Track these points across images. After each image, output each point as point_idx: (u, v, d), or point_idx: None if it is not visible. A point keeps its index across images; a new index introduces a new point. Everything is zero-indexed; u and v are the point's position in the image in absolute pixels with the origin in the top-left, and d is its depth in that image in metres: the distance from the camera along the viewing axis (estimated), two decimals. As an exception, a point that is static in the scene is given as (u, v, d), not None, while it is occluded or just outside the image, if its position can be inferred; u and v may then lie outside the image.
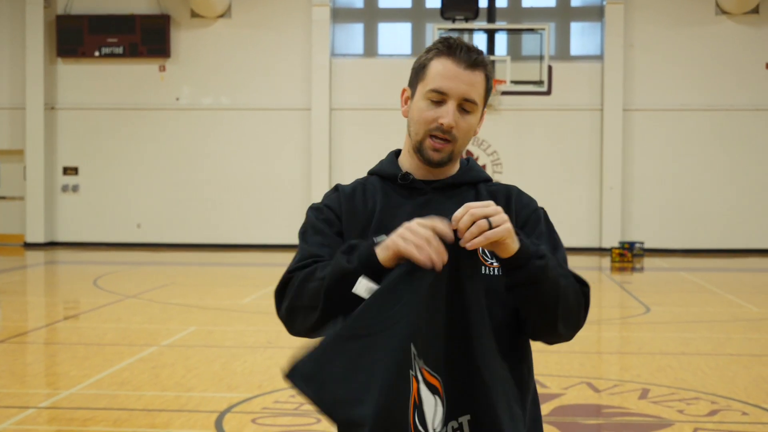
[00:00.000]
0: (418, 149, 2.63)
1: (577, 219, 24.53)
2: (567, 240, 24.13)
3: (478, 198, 2.67)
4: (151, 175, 25.26)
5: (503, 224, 2.34)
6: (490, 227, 2.32)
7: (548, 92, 21.13)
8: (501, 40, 23.49)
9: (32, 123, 25.12)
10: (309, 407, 7.48)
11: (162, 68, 25.18)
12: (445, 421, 2.43)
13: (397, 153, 2.78)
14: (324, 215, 2.69)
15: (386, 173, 2.72)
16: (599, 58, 24.69)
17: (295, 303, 2.52)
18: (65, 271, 20.24)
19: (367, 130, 24.15)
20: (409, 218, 2.42)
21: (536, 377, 8.57)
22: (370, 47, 25.19)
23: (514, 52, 23.59)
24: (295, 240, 3.12)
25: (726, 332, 11.78)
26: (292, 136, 24.82)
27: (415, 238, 2.31)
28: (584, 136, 24.61)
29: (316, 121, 24.70)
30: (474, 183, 2.74)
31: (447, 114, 2.57)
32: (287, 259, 3.07)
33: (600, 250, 24.16)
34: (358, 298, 2.35)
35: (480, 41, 20.98)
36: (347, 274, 2.39)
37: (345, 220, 2.67)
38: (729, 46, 24.27)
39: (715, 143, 24.37)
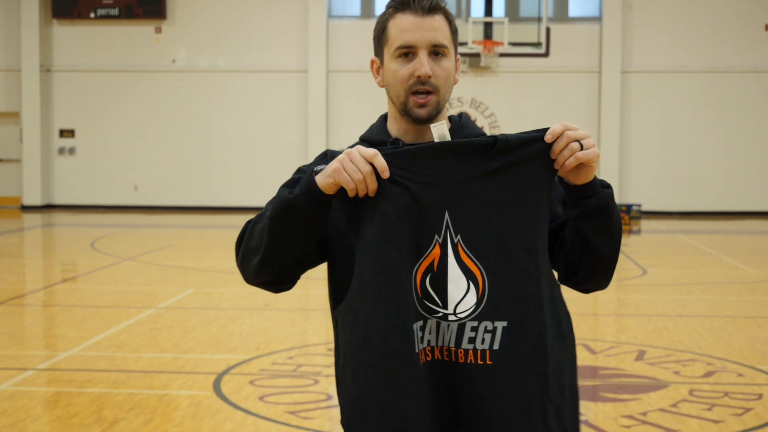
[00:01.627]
0: (404, 111, 2.56)
1: (574, 181, 24.49)
2: (564, 202, 24.21)
3: None
4: (148, 138, 25.23)
5: (593, 147, 2.37)
6: (582, 149, 2.36)
7: (546, 54, 21.08)
8: (499, 2, 23.44)
9: (28, 85, 25.04)
10: (307, 368, 7.53)
11: (158, 30, 25.07)
12: (479, 316, 2.38)
13: (386, 117, 2.71)
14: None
15: (376, 140, 2.64)
16: (597, 19, 24.59)
17: (246, 248, 2.51)
18: (63, 234, 20.25)
19: (364, 93, 24.10)
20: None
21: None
22: (367, 8, 25.07)
23: (512, 13, 23.53)
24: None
25: (722, 294, 11.82)
26: (289, 99, 24.77)
27: (353, 172, 2.30)
28: (582, 98, 24.57)
29: (313, 83, 24.65)
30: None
31: (421, 65, 2.50)
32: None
33: (597, 213, 24.13)
34: (303, 226, 2.40)
35: (478, 3, 20.89)
36: (289, 205, 2.36)
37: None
38: (728, 8, 24.17)
39: (713, 105, 24.33)
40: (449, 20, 2.55)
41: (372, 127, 2.71)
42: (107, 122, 25.35)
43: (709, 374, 7.57)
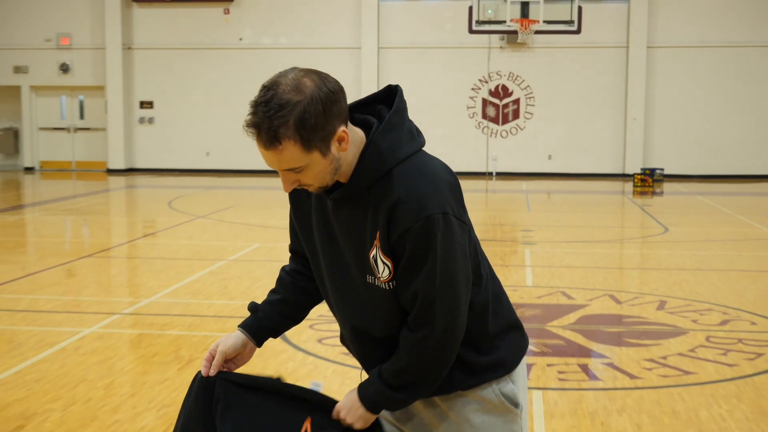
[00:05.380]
0: None
1: (602, 148, 24.36)
2: (593, 167, 24.10)
3: (370, 208, 2.29)
4: (218, 108, 25.33)
5: (357, 427, 2.44)
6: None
7: (578, 31, 20.83)
8: (535, -16, 23.11)
9: (111, 61, 25.22)
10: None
11: (226, 11, 25.09)
12: None
13: None
14: (290, 202, 2.59)
15: None
16: (625, -1, 24.26)
17: None
18: (143, 194, 20.46)
19: (412, 68, 24.05)
20: (330, 219, 2.41)
21: (564, 291, 8.54)
22: (415, -9, 24.92)
23: (547, -6, 23.22)
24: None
25: (737, 250, 11.72)
26: (344, 73, 24.68)
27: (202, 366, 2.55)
28: (610, 71, 24.29)
29: (365, 59, 24.58)
30: (369, 186, 2.29)
31: (283, 183, 2.30)
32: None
33: (623, 176, 23.99)
34: None
35: (516, -15, 20.68)
36: None
37: (294, 213, 2.58)
38: (747, -13, 23.76)
39: (731, 78, 23.96)
40: (297, 136, 2.16)
41: None
42: (182, 94, 25.48)
43: (724, 322, 7.53)
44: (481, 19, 21.39)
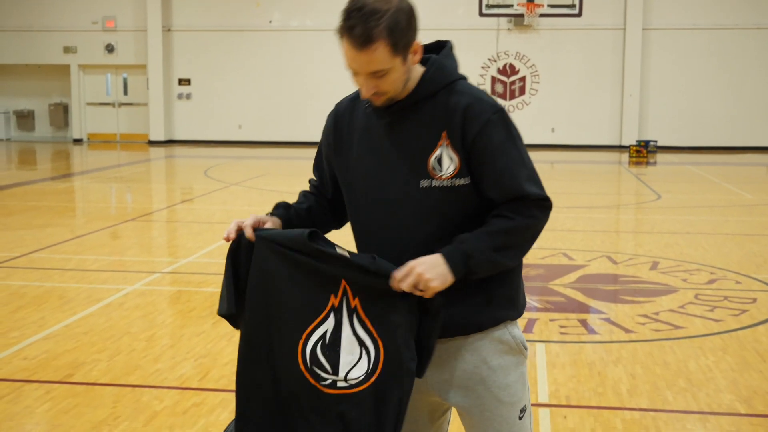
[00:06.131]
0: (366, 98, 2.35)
1: (601, 121, 24.21)
2: (593, 139, 23.96)
3: (433, 114, 2.31)
4: (250, 85, 25.28)
5: (431, 285, 2.17)
6: (421, 289, 2.18)
7: (579, 14, 20.67)
8: (540, -30, 22.89)
9: (152, 42, 25.17)
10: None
11: (257, -4, 25.01)
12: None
13: None
14: (323, 138, 2.55)
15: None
16: (623, -16, 24.00)
17: None
18: (181, 164, 20.49)
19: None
20: (378, 141, 2.35)
21: (565, 252, 8.50)
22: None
23: (551, -20, 23.01)
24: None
25: (724, 215, 11.64)
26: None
27: (228, 232, 2.39)
28: (609, 51, 24.08)
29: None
30: (434, 94, 2.32)
31: (362, 87, 2.28)
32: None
33: (620, 147, 23.84)
34: None
35: (522, -29, 20.48)
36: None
37: (333, 141, 2.49)
38: (735, -26, 23.48)
39: (720, 57, 23.75)
40: (389, 40, 2.19)
41: (353, 93, 2.52)
42: (216, 72, 25.42)
43: (711, 281, 7.49)
44: (491, 3, 21.23)
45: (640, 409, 4.49)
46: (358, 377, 2.26)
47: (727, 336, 5.82)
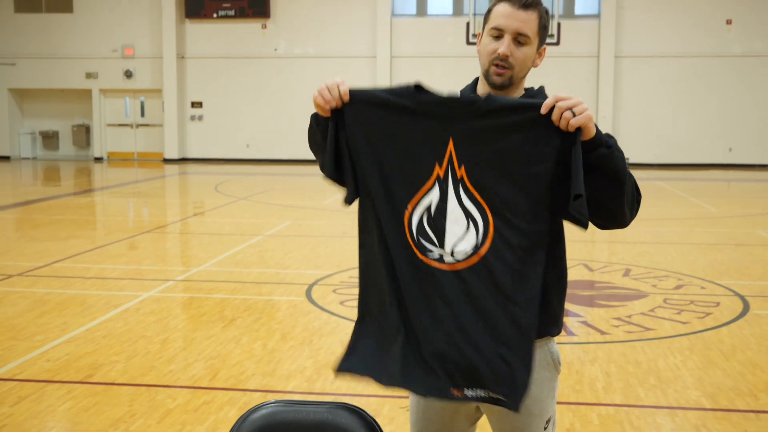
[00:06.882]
0: (486, 75, 2.36)
1: (577, 140, 24.24)
2: (570, 156, 23.95)
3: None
4: (257, 107, 25.27)
5: (584, 112, 2.08)
6: (574, 116, 2.08)
7: (557, 43, 20.67)
8: (521, 3, 22.96)
9: (167, 68, 25.17)
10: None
11: (264, 26, 24.98)
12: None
13: (478, 79, 2.49)
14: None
15: (463, 95, 2.38)
16: (597, 16, 24.04)
17: (307, 137, 2.38)
18: (193, 180, 20.47)
19: (419, 74, 23.84)
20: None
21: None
22: (421, 8, 24.72)
23: (531, 11, 23.08)
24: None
25: (690, 227, 11.64)
26: (361, 78, 24.57)
27: (319, 93, 2.23)
28: (584, 77, 24.14)
29: (380, 66, 24.47)
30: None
31: (503, 45, 2.28)
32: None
33: (595, 164, 23.87)
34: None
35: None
36: (310, 122, 2.31)
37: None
38: (698, 6, 23.52)
39: (686, 82, 23.81)
40: (540, 17, 2.30)
41: (467, 85, 2.52)
42: (226, 96, 25.42)
43: (679, 287, 7.48)
44: (477, 33, 21.25)
45: (615, 405, 4.47)
46: (465, 251, 2.11)
47: (694, 337, 5.81)
